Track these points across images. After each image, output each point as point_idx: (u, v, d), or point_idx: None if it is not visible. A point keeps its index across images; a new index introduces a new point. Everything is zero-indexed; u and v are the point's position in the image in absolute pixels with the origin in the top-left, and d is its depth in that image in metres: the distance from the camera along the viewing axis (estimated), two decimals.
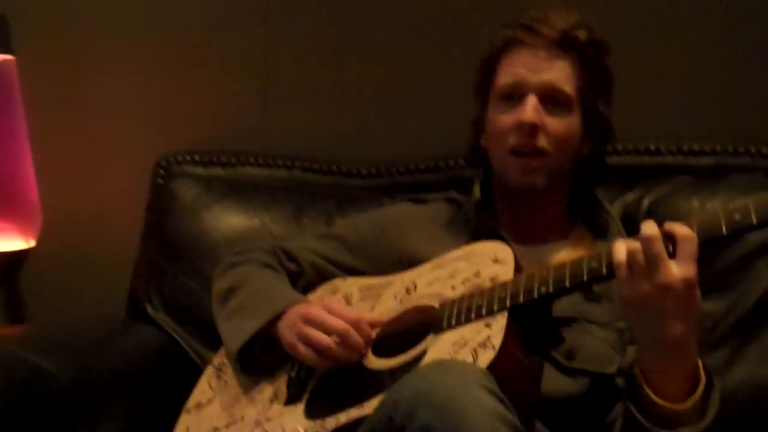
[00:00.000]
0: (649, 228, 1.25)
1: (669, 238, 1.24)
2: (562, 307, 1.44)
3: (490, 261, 1.44)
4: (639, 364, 1.30)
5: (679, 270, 1.22)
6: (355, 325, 1.45)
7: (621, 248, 1.26)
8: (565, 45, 1.54)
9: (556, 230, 1.61)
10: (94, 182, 2.23)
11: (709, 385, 1.29)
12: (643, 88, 1.97)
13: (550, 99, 1.54)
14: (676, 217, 1.30)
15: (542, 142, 1.53)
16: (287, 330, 1.49)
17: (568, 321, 1.46)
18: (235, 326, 1.56)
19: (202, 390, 1.61)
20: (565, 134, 1.54)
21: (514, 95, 1.55)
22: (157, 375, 1.83)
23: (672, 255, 1.23)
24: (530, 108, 1.52)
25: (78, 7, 2.21)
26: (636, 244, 1.24)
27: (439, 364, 1.26)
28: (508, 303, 1.33)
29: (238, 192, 2.02)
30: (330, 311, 1.47)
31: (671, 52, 2.00)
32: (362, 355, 1.45)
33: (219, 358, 1.64)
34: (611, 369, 1.45)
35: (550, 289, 1.32)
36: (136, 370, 1.79)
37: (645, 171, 1.87)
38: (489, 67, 1.60)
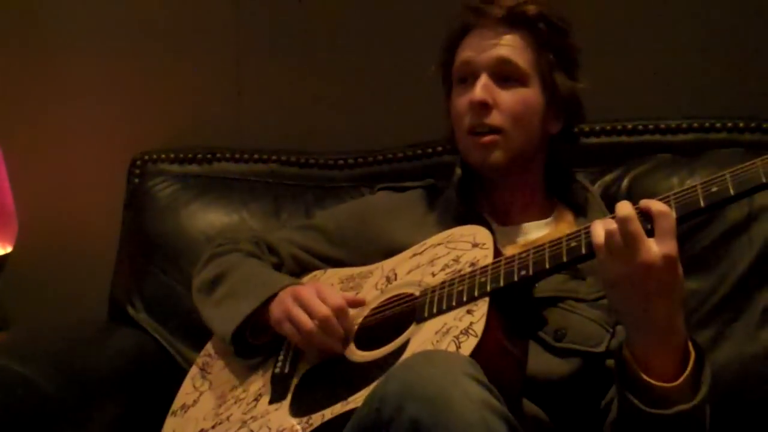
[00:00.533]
0: (624, 208, 1.24)
1: (646, 216, 1.24)
2: (548, 286, 1.43)
3: (470, 245, 1.43)
4: (628, 346, 1.29)
5: (659, 247, 1.22)
6: (338, 311, 1.44)
7: (599, 230, 1.25)
8: (512, 21, 1.56)
9: (537, 210, 1.61)
10: (69, 184, 2.21)
11: (699, 360, 1.28)
12: (619, 65, 1.97)
13: (502, 75, 1.55)
14: (656, 195, 1.29)
15: (496, 119, 1.53)
16: (277, 307, 1.49)
17: (555, 300, 1.45)
18: (227, 311, 1.55)
19: (186, 391, 1.60)
20: (519, 109, 1.54)
21: (468, 77, 1.57)
22: (141, 377, 1.81)
23: (650, 233, 1.23)
24: (479, 87, 1.53)
25: (48, 4, 2.18)
26: (613, 225, 1.24)
27: (424, 355, 1.25)
28: (488, 288, 1.33)
29: (216, 188, 2.01)
30: (318, 294, 1.46)
31: (647, 28, 1.99)
32: (343, 346, 1.44)
33: (203, 358, 1.63)
34: (601, 348, 1.44)
35: (530, 272, 1.32)
36: (119, 374, 1.77)
37: (624, 150, 1.87)
38: (447, 54, 1.62)
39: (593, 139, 1.87)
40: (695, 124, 1.86)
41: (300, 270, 1.67)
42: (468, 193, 1.62)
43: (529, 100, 1.55)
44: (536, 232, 1.57)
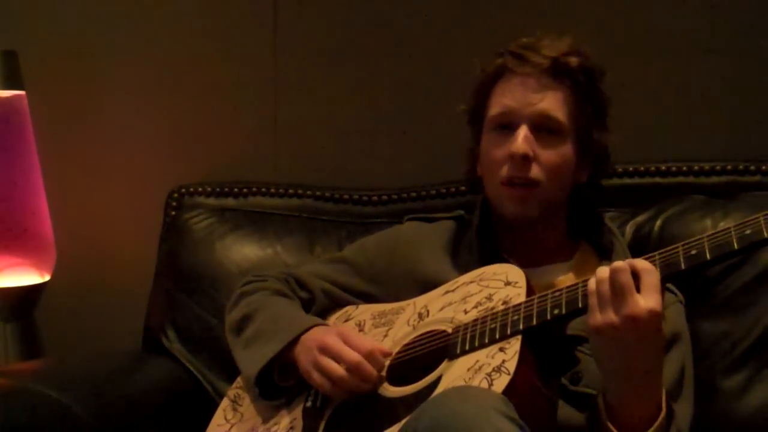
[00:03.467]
0: (618, 262, 1.27)
1: (633, 274, 1.26)
2: (571, 325, 1.43)
3: (502, 283, 1.44)
4: (603, 394, 1.31)
5: (644, 302, 1.23)
6: (368, 356, 1.44)
7: (592, 279, 1.28)
8: (556, 73, 1.54)
9: (558, 252, 1.60)
10: (108, 215, 2.25)
11: (669, 417, 1.30)
12: (653, 108, 1.97)
13: (543, 128, 1.53)
14: (689, 237, 1.30)
15: (534, 172, 1.52)
16: (303, 355, 1.49)
17: (576, 341, 1.44)
18: (252, 353, 1.55)
19: (218, 422, 1.60)
20: (558, 163, 1.54)
21: (506, 125, 1.55)
22: (173, 407, 1.83)
23: (637, 289, 1.25)
24: (521, 139, 1.52)
25: (88, 42, 2.24)
26: (605, 274, 1.26)
27: (457, 391, 1.25)
28: (521, 326, 1.33)
29: (251, 222, 2.03)
30: (345, 340, 1.46)
31: (681, 71, 2.00)
32: (375, 385, 1.44)
33: (235, 390, 1.64)
34: None
35: (563, 311, 1.32)
36: (153, 403, 1.79)
37: (657, 191, 1.86)
38: (481, 96, 1.60)
39: (626, 180, 1.87)
40: (729, 167, 1.85)
41: (331, 304, 1.67)
42: (489, 234, 1.61)
43: (566, 154, 1.55)
44: (557, 274, 1.57)
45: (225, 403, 1.63)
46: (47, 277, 2.12)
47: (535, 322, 1.32)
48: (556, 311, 1.32)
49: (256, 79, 2.18)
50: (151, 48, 2.22)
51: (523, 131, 1.52)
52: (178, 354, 1.95)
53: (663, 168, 1.88)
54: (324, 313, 1.66)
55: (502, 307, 1.38)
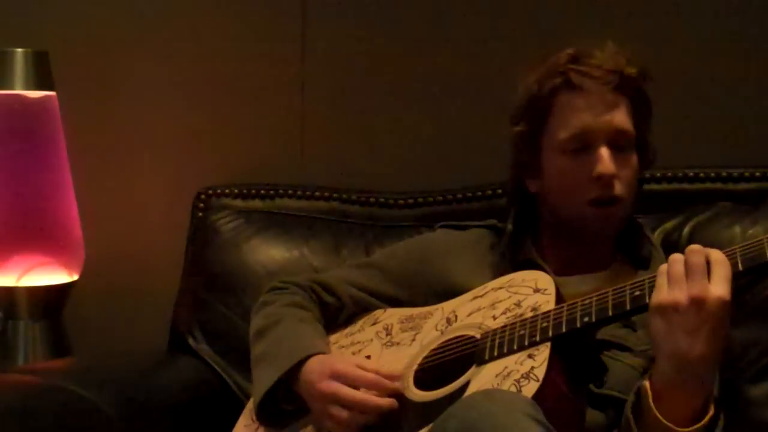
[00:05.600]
0: (693, 245, 1.26)
1: (707, 259, 1.25)
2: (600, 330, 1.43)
3: (531, 290, 1.44)
4: (653, 379, 1.28)
5: (715, 288, 1.22)
6: (377, 381, 1.44)
7: (664, 264, 1.27)
8: (622, 87, 1.53)
9: (595, 262, 1.59)
10: (136, 216, 2.27)
11: (716, 418, 1.27)
12: (681, 112, 1.97)
13: (618, 144, 1.53)
14: (718, 245, 1.30)
15: (618, 189, 1.51)
16: (311, 400, 1.47)
17: (602, 345, 1.45)
18: (259, 373, 1.55)
19: (244, 423, 1.60)
20: (633, 177, 1.54)
21: (584, 146, 1.52)
22: (200, 407, 1.84)
23: (709, 273, 1.24)
24: (607, 159, 1.50)
25: (117, 44, 2.25)
26: (679, 256, 1.26)
27: (485, 393, 1.25)
28: (550, 333, 1.33)
29: (277, 224, 2.03)
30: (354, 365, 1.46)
31: (709, 75, 1.99)
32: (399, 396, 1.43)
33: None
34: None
35: (593, 319, 1.31)
36: (180, 403, 1.80)
37: (684, 197, 1.86)
38: (539, 113, 1.56)
39: (654, 186, 1.86)
40: (757, 173, 1.84)
41: (360, 309, 1.67)
42: (524, 242, 1.60)
43: (635, 165, 1.54)
44: (592, 284, 1.55)
45: (250, 404, 1.62)
46: (75, 277, 2.14)
47: (564, 330, 1.32)
48: (585, 319, 1.32)
49: (283, 80, 2.18)
50: (180, 49, 2.23)
51: (605, 152, 1.51)
52: (205, 354, 1.96)
53: (690, 174, 1.88)
54: (352, 317, 1.67)
55: (531, 314, 1.38)
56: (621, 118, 1.53)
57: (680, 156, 1.89)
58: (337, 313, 1.67)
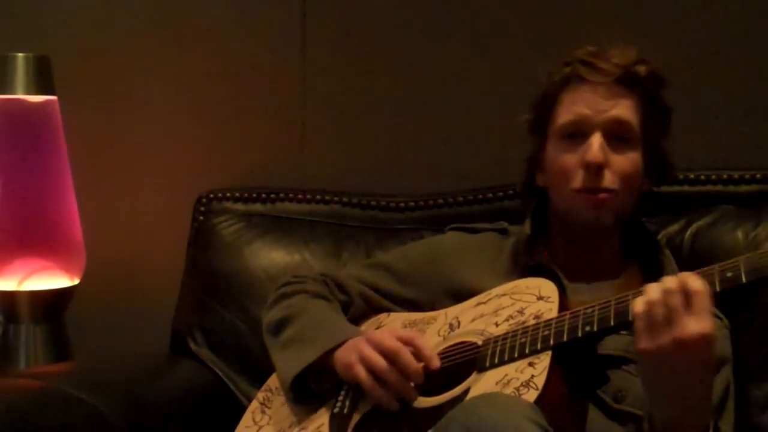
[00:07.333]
0: (669, 281, 1.25)
1: (684, 292, 1.24)
2: (613, 345, 1.43)
3: (535, 298, 1.44)
4: (648, 418, 1.30)
5: (696, 324, 1.22)
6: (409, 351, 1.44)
7: (639, 300, 1.26)
8: (627, 81, 1.53)
9: (609, 269, 1.59)
10: (137, 220, 2.27)
11: None
12: (682, 115, 1.96)
13: (615, 136, 1.52)
14: (720, 249, 1.30)
15: (608, 180, 1.51)
16: (346, 351, 1.48)
17: (618, 361, 1.44)
18: (290, 355, 1.56)
19: (246, 424, 1.61)
20: (630, 171, 1.52)
21: (578, 133, 1.53)
22: (201, 410, 1.84)
23: (688, 309, 1.23)
24: (596, 146, 1.50)
25: (118, 49, 2.25)
26: (655, 296, 1.24)
27: (486, 398, 1.25)
28: (552, 342, 1.33)
29: (278, 227, 2.03)
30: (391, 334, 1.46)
31: (710, 78, 1.99)
32: (413, 395, 1.43)
33: (264, 393, 1.64)
34: None
35: (595, 328, 1.31)
36: (181, 406, 1.80)
37: (685, 200, 1.85)
38: (547, 104, 1.58)
39: (653, 188, 1.87)
40: (758, 175, 1.84)
41: (369, 309, 1.68)
42: (538, 245, 1.60)
43: (637, 163, 1.53)
44: (604, 292, 1.53)
45: (254, 405, 1.64)
46: (77, 281, 2.14)
47: (565, 338, 1.32)
48: (587, 328, 1.32)
49: (284, 84, 2.19)
50: (180, 54, 2.23)
51: (597, 139, 1.51)
52: (206, 358, 1.96)
53: (691, 176, 1.87)
54: (358, 320, 1.67)
55: (533, 322, 1.38)
56: (621, 110, 1.52)
57: (682, 158, 1.89)
58: (346, 310, 1.67)
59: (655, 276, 1.53)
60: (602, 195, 1.51)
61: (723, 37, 1.98)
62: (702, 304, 1.23)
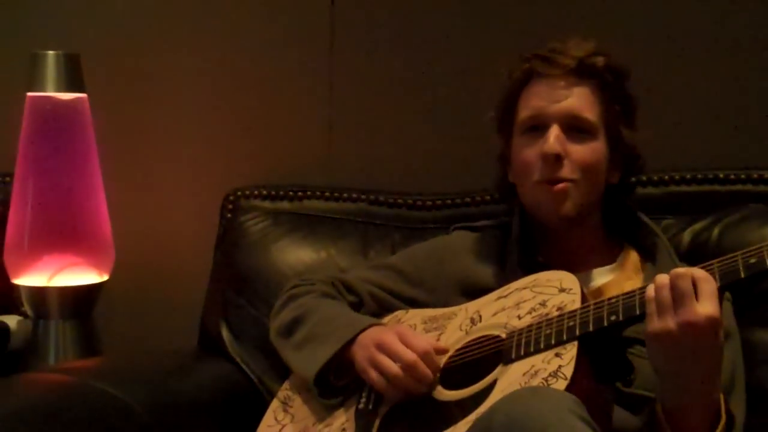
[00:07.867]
0: (679, 268, 1.28)
1: (692, 278, 1.26)
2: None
3: (556, 290, 1.44)
4: (660, 401, 1.31)
5: (702, 308, 1.24)
6: (424, 356, 1.45)
7: (651, 285, 1.28)
8: (582, 72, 1.55)
9: (600, 256, 1.60)
10: (165, 217, 2.29)
11: (729, 424, 1.30)
12: (711, 114, 1.95)
13: (573, 127, 1.54)
14: (747, 246, 1.30)
15: (567, 171, 1.53)
16: (360, 352, 1.50)
17: (629, 342, 1.44)
18: (308, 354, 1.56)
19: (268, 423, 1.62)
20: (590, 161, 1.54)
21: (536, 127, 1.56)
22: (228, 407, 1.84)
23: (696, 294, 1.25)
24: (552, 138, 1.52)
25: (147, 47, 2.28)
26: (665, 281, 1.27)
27: (531, 390, 1.26)
28: (578, 332, 1.33)
29: (305, 225, 2.04)
30: (402, 339, 1.47)
31: (739, 75, 1.97)
32: (430, 387, 1.45)
33: (285, 391, 1.65)
34: None
35: (621, 317, 1.32)
36: (208, 402, 1.81)
37: (714, 199, 1.84)
38: (510, 101, 1.61)
39: (683, 187, 1.86)
40: None
41: (379, 309, 1.68)
42: (529, 243, 1.61)
43: (598, 152, 1.55)
44: (601, 278, 1.57)
45: (275, 404, 1.65)
46: (105, 277, 2.16)
47: (591, 329, 1.33)
48: (613, 317, 1.32)
49: (311, 82, 2.19)
50: (208, 52, 2.25)
51: (554, 131, 1.53)
52: (233, 354, 1.96)
53: (721, 176, 1.86)
54: (375, 317, 1.66)
55: (557, 313, 1.38)
56: (576, 102, 1.54)
57: (708, 157, 1.88)
58: (356, 311, 1.67)
59: (651, 258, 1.57)
60: (560, 185, 1.52)
61: (746, 32, 1.96)
62: (708, 288, 1.25)
